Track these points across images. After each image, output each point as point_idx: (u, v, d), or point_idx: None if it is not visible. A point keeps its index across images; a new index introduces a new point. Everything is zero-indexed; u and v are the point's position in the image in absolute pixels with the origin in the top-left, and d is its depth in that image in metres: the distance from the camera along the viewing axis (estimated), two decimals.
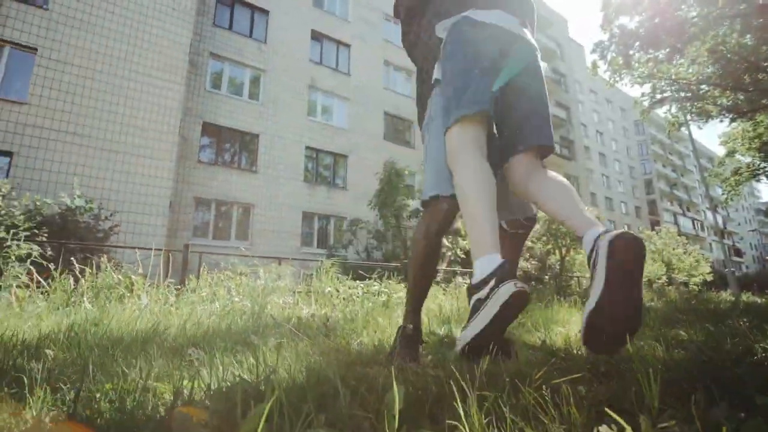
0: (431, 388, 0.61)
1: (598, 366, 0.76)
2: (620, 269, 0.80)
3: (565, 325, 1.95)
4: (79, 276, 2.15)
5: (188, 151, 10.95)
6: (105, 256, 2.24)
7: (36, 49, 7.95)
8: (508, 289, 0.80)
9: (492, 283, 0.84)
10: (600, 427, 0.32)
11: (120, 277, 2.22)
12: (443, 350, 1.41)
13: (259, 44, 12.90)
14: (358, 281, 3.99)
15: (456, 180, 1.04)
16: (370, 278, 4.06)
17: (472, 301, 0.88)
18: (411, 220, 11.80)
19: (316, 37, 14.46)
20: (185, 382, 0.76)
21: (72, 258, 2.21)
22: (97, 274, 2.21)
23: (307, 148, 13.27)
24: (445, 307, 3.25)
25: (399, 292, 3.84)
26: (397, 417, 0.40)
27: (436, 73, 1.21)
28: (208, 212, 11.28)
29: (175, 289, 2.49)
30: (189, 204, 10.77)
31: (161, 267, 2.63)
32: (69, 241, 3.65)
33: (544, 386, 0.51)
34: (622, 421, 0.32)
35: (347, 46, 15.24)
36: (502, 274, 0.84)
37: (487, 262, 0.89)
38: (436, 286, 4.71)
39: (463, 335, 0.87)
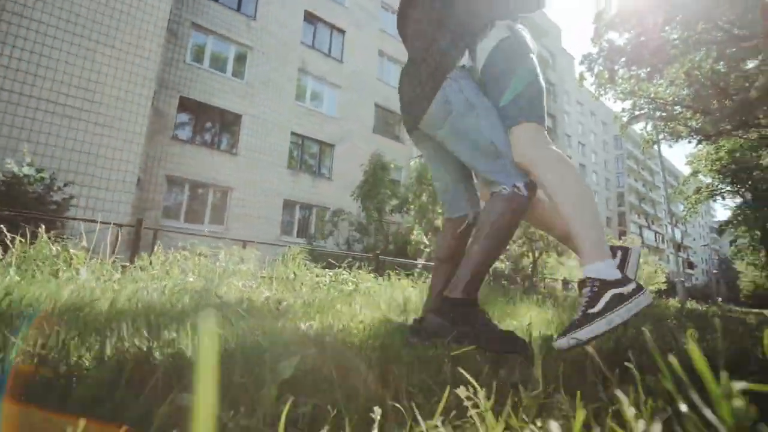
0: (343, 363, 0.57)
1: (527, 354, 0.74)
2: None
3: (520, 319, 1.98)
4: (9, 246, 1.95)
5: (162, 126, 10.44)
6: (43, 226, 2.04)
7: None
8: (648, 297, 0.95)
9: (634, 285, 0.96)
10: (457, 389, 0.30)
11: (58, 248, 2.04)
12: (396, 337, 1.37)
13: (248, 20, 12.42)
14: (327, 270, 3.91)
15: (561, 178, 1.09)
16: (340, 267, 3.99)
17: (609, 296, 0.95)
18: (393, 214, 11.76)
19: (310, 19, 14.08)
20: (83, 351, 0.71)
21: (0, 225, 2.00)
22: (30, 244, 2.02)
23: (293, 134, 12.97)
24: (412, 299, 3.23)
25: (367, 282, 3.79)
26: (274, 385, 0.35)
27: (467, 61, 1.24)
28: (181, 193, 10.85)
29: (122, 266, 2.33)
30: (160, 183, 10.31)
31: (108, 242, 2.44)
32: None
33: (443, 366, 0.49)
34: (474, 383, 0.30)
35: (342, 31, 14.92)
36: (638, 282, 0.97)
37: (613, 265, 1.01)
38: (406, 278, 4.70)
39: (596, 325, 0.92)
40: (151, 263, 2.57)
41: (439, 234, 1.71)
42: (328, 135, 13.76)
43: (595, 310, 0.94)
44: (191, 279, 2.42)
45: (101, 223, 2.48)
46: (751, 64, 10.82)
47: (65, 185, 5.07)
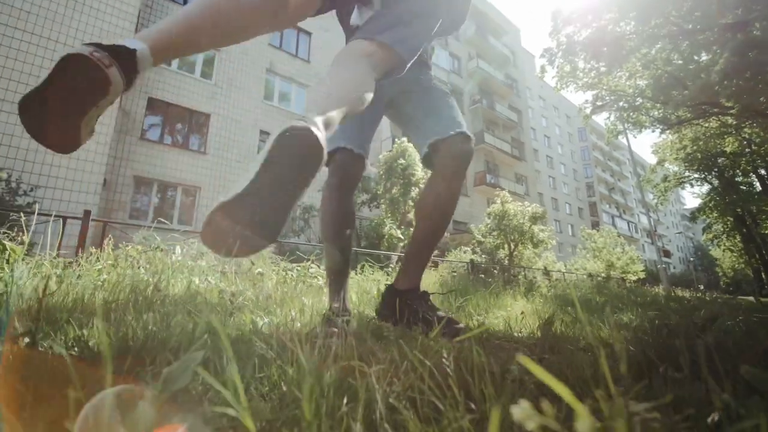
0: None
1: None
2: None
3: (507, 310, 2.01)
4: None
5: (130, 126, 10.29)
6: None
7: None
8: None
9: None
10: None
11: None
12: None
13: None
14: (295, 264, 3.89)
15: None
16: (308, 260, 3.97)
17: None
18: (362, 209, 11.78)
19: None
20: None
21: None
22: None
23: (263, 132, 12.90)
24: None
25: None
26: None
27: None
28: (149, 193, 10.66)
29: (67, 261, 2.30)
30: (127, 183, 10.10)
31: (60, 237, 2.39)
32: None
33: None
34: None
35: (308, 33, 15.00)
36: None
37: None
38: (380, 271, 4.65)
39: None
40: (98, 258, 2.53)
41: None
42: None
43: None
44: (141, 273, 2.40)
45: (40, 214, 2.43)
46: (704, 56, 11.21)
47: (32, 189, 4.92)
